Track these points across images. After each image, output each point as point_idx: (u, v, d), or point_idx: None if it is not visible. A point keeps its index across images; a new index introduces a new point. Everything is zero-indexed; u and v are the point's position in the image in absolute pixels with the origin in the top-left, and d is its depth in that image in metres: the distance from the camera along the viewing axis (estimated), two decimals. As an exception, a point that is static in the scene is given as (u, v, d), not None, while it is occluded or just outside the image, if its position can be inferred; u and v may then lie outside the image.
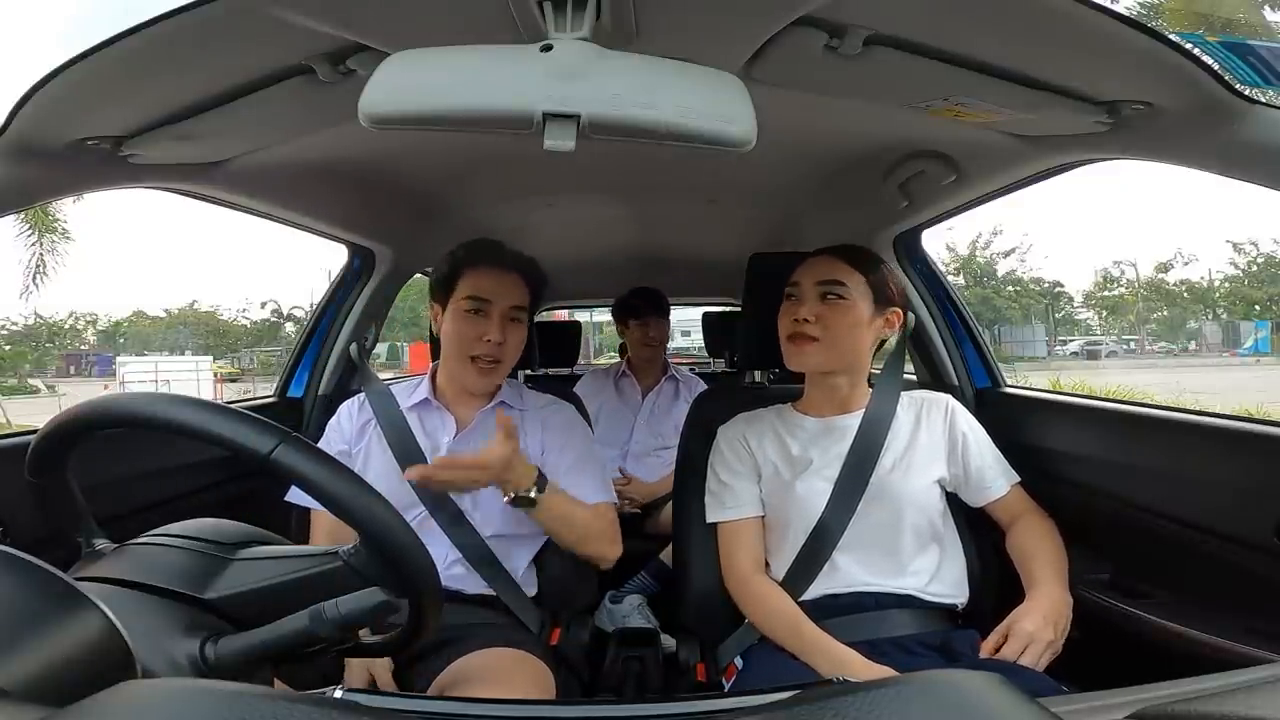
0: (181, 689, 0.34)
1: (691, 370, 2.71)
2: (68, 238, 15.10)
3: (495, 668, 0.89)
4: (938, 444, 1.07)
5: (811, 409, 1.13)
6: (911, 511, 1.02)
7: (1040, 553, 1.01)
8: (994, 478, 1.08)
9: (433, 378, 1.19)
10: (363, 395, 1.20)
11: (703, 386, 2.33)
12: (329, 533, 1.05)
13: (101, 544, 0.61)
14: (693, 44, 0.71)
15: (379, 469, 1.10)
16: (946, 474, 1.08)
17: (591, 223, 1.92)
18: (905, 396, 1.11)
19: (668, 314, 2.31)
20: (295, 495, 1.08)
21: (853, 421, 1.08)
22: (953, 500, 1.10)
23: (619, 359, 2.60)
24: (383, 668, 0.95)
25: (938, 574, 1.03)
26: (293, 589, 0.56)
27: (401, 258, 1.69)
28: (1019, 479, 1.09)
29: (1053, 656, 0.91)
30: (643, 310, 2.26)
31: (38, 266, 14.86)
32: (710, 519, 1.12)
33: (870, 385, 1.13)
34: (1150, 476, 1.05)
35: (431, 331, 1.22)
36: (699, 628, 1.16)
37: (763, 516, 1.10)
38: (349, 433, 1.16)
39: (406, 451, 1.11)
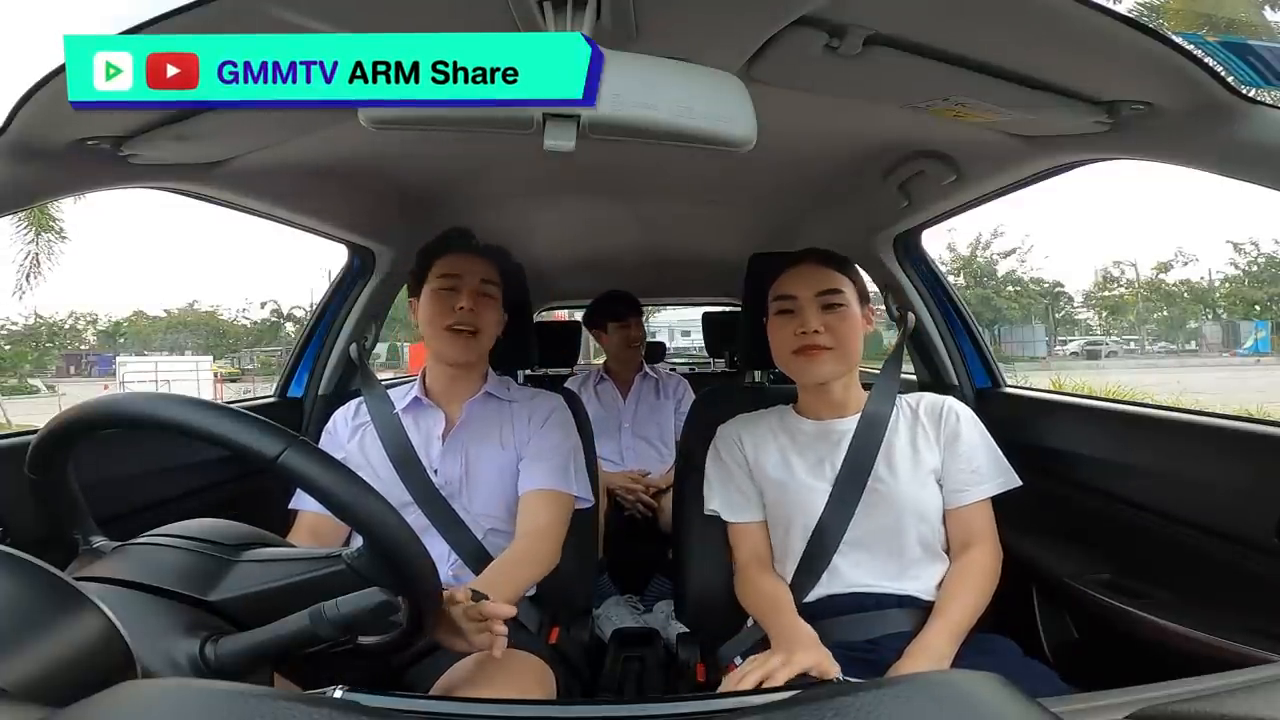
0: (181, 689, 0.34)
1: (691, 370, 2.70)
2: (63, 237, 15.07)
3: (498, 666, 0.89)
4: (935, 447, 1.06)
5: (809, 412, 1.13)
6: (913, 515, 1.02)
7: (955, 599, 0.96)
8: (967, 484, 1.03)
9: (423, 379, 1.22)
10: (359, 400, 1.22)
11: (684, 384, 2.33)
12: (310, 529, 1.06)
13: (100, 542, 0.61)
14: (693, 44, 0.71)
15: (374, 470, 1.12)
16: (942, 477, 1.06)
17: (591, 223, 1.92)
18: (903, 399, 1.11)
19: (642, 313, 2.33)
20: (299, 501, 1.09)
21: (849, 425, 1.07)
22: None
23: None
24: None
25: (940, 576, 1.02)
26: (296, 591, 0.56)
27: (401, 258, 1.69)
28: (989, 496, 1.03)
29: None
30: (623, 312, 2.27)
31: (32, 265, 14.85)
32: (706, 510, 1.13)
33: (865, 387, 1.12)
34: (1150, 476, 1.05)
35: None
36: (699, 627, 1.16)
37: (763, 521, 1.10)
38: (343, 438, 1.19)
39: (402, 451, 1.13)
